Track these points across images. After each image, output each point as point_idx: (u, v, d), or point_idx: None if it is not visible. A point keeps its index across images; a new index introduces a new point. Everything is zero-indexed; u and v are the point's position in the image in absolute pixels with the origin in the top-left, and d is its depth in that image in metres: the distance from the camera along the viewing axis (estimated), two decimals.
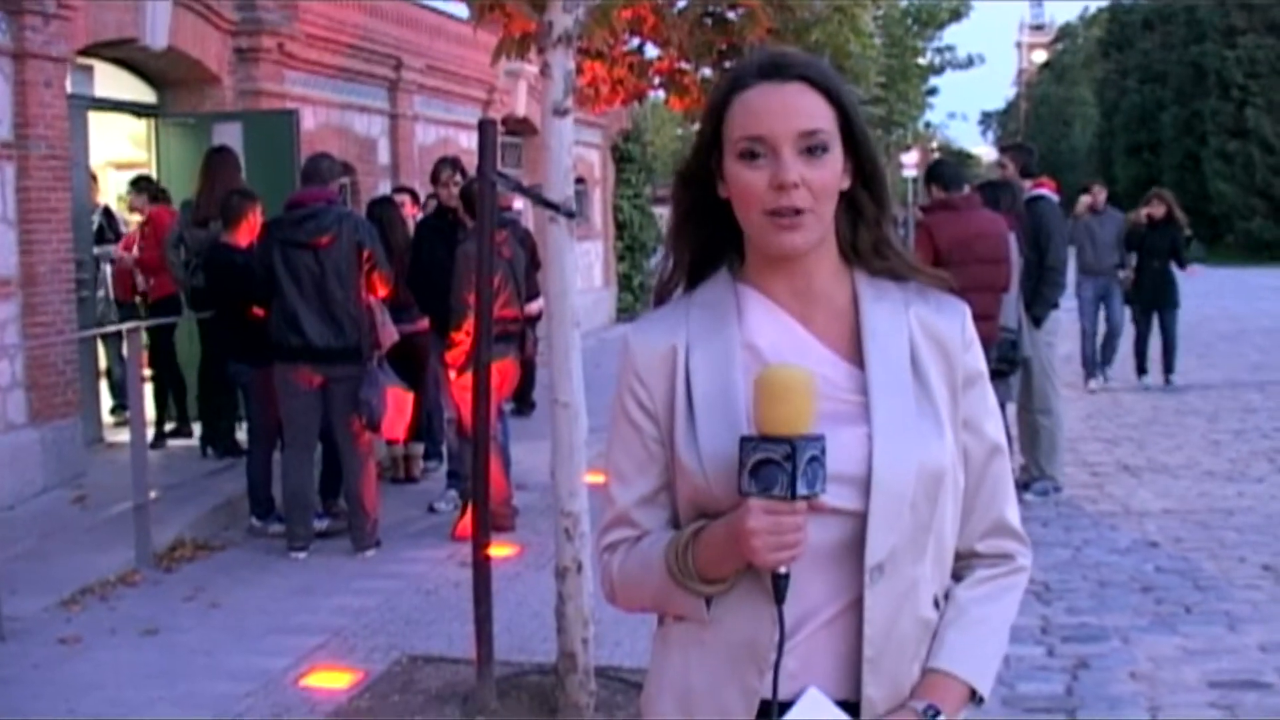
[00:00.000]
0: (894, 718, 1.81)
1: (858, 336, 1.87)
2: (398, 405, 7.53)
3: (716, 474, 1.80)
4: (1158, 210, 13.10)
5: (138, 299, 10.21)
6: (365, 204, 10.25)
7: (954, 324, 1.91)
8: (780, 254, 1.84)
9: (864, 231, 1.91)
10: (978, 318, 1.98)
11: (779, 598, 1.74)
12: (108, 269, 10.62)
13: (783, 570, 1.73)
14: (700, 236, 1.95)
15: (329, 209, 7.43)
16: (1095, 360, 13.40)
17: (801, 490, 1.68)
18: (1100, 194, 13.47)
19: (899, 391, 1.84)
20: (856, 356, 1.86)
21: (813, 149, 1.80)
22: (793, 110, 1.81)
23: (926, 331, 1.88)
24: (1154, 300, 13.08)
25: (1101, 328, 13.42)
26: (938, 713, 1.81)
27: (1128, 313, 13.32)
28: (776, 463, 1.68)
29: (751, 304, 1.89)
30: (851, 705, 1.80)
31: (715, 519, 1.80)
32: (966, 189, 8.01)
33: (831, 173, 1.82)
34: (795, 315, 1.88)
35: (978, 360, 1.93)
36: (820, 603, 1.81)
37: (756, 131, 1.81)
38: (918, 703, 1.82)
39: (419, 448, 9.50)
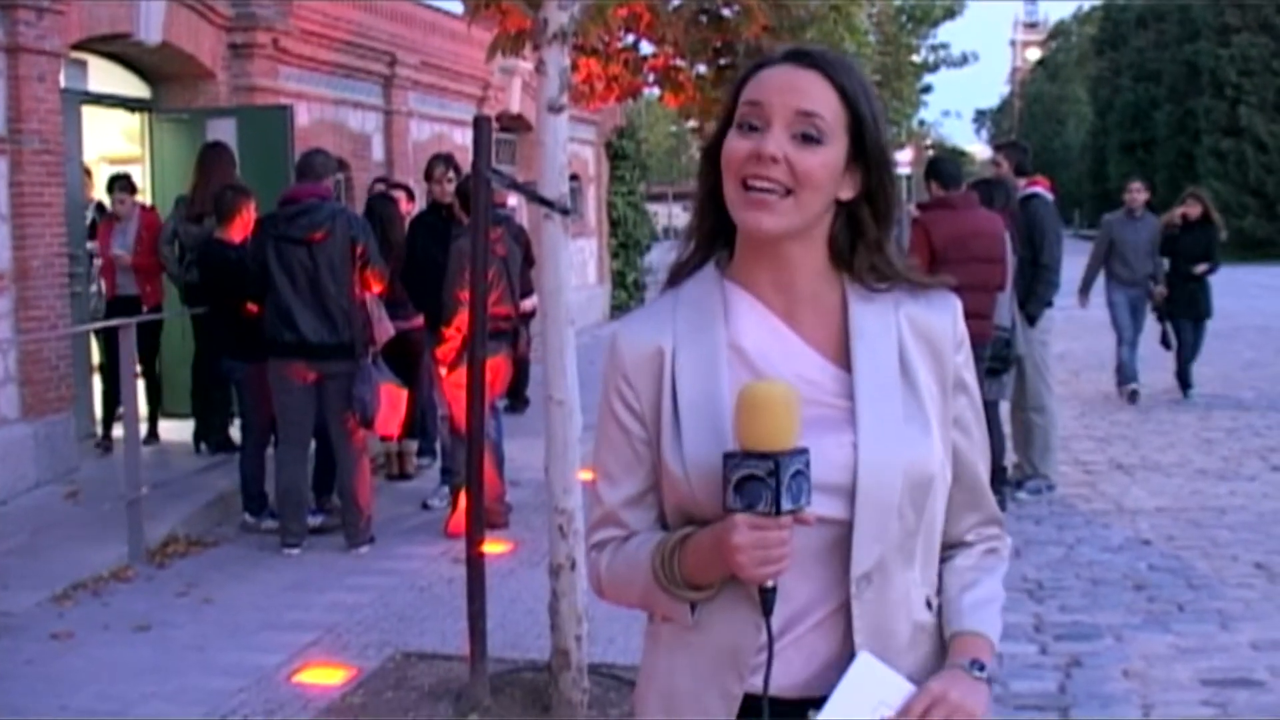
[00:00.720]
0: (945, 678, 1.79)
1: (845, 338, 1.85)
2: (392, 402, 7.53)
3: (700, 480, 1.79)
4: (1193, 210, 12.16)
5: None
6: (364, 200, 10.23)
7: (945, 320, 1.89)
8: (747, 231, 1.82)
9: (862, 251, 1.87)
10: (971, 316, 1.98)
11: (766, 610, 1.73)
12: (98, 264, 10.57)
13: (769, 584, 1.72)
14: (719, 217, 1.90)
15: (323, 204, 7.43)
16: (1132, 367, 12.31)
17: (786, 505, 1.67)
18: (1139, 194, 12.28)
19: (886, 395, 1.82)
20: (843, 359, 1.85)
21: (807, 135, 1.78)
22: (796, 89, 1.79)
23: (916, 330, 1.87)
24: (1188, 309, 12.11)
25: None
26: (984, 667, 1.82)
27: (1151, 328, 12.32)
28: (760, 479, 1.67)
29: (738, 303, 1.87)
30: None
31: (702, 524, 1.79)
32: (965, 187, 8.02)
33: (820, 163, 1.78)
34: (781, 313, 1.86)
35: (968, 361, 1.92)
36: (807, 606, 1.80)
37: (755, 96, 1.80)
38: (962, 659, 1.82)
39: (413, 444, 9.50)
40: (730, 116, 1.86)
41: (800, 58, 1.83)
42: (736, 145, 1.80)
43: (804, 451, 1.68)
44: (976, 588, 1.91)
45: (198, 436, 9.48)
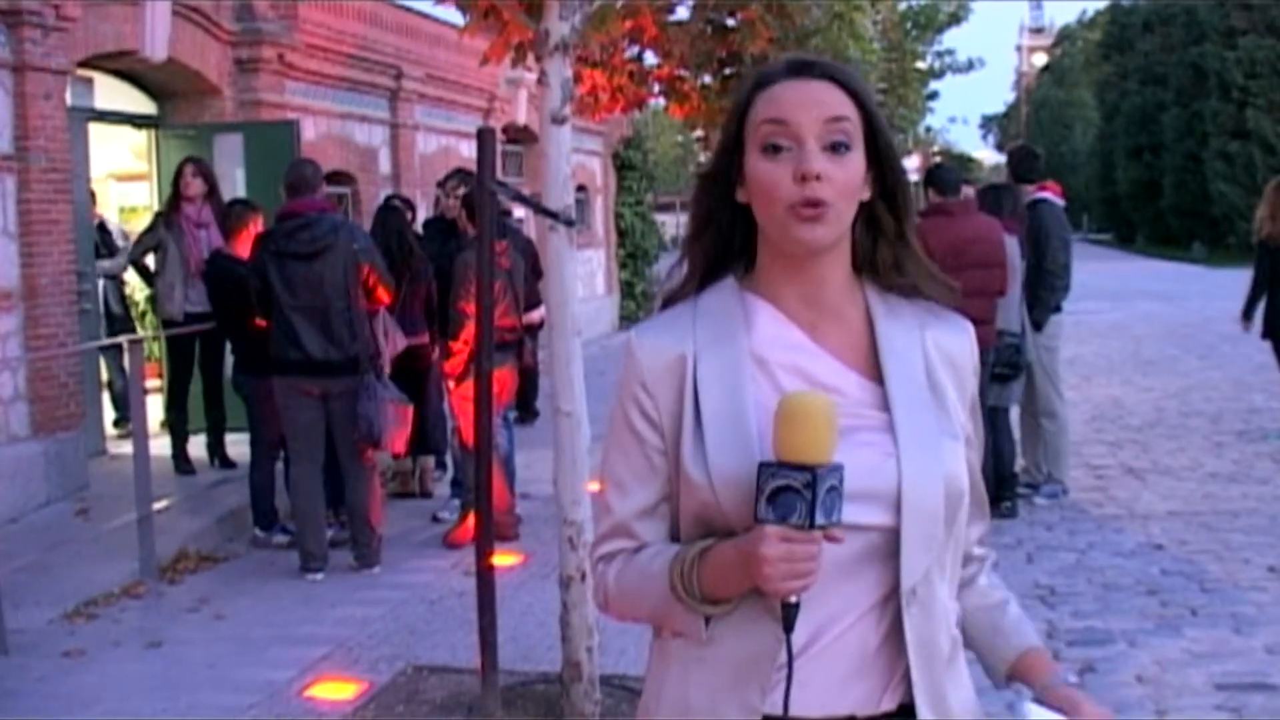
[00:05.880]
0: (1064, 692, 1.88)
1: (871, 352, 1.85)
2: (399, 418, 7.42)
3: (726, 490, 1.76)
4: None
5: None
6: (374, 212, 10.22)
7: (965, 345, 1.92)
8: (801, 249, 1.81)
9: (884, 246, 1.89)
10: (972, 322, 1.99)
11: (788, 626, 1.70)
12: (100, 283, 10.47)
13: (793, 599, 1.69)
14: (718, 242, 1.91)
15: (323, 217, 7.27)
16: None
17: (820, 520, 1.65)
18: None
19: (920, 408, 1.82)
20: (870, 372, 1.84)
21: (836, 145, 1.78)
22: (818, 99, 1.80)
23: (941, 351, 1.88)
24: None
25: None
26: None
27: None
28: (796, 490, 1.65)
29: (760, 314, 1.86)
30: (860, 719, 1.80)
31: (722, 536, 1.77)
32: (964, 194, 8.01)
33: (854, 172, 1.80)
34: (804, 326, 1.85)
35: (977, 380, 1.96)
36: (835, 616, 1.78)
37: (780, 115, 1.79)
38: (1064, 674, 1.94)
39: (429, 460, 9.40)
40: (735, 140, 1.85)
41: (806, 70, 1.83)
42: (774, 172, 1.79)
43: (840, 467, 1.67)
44: (1011, 604, 2.02)
45: (210, 452, 9.46)
